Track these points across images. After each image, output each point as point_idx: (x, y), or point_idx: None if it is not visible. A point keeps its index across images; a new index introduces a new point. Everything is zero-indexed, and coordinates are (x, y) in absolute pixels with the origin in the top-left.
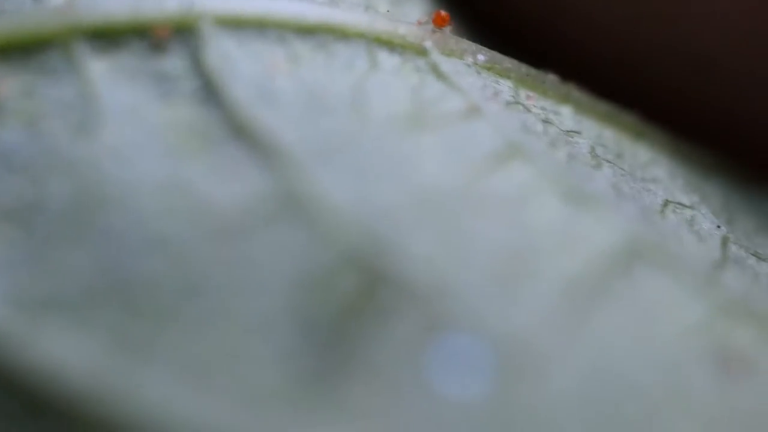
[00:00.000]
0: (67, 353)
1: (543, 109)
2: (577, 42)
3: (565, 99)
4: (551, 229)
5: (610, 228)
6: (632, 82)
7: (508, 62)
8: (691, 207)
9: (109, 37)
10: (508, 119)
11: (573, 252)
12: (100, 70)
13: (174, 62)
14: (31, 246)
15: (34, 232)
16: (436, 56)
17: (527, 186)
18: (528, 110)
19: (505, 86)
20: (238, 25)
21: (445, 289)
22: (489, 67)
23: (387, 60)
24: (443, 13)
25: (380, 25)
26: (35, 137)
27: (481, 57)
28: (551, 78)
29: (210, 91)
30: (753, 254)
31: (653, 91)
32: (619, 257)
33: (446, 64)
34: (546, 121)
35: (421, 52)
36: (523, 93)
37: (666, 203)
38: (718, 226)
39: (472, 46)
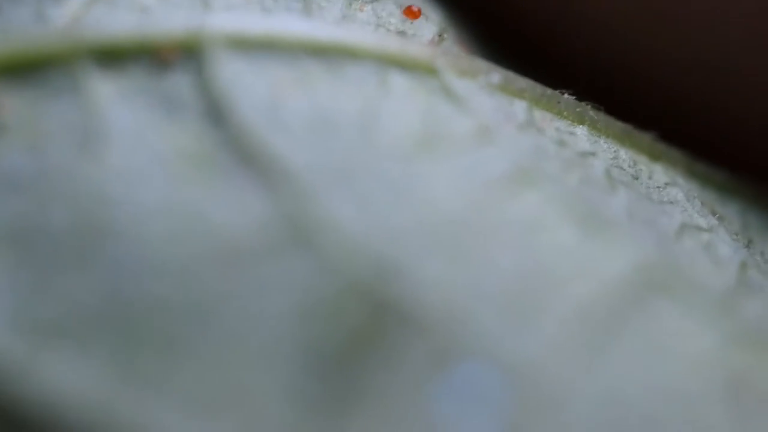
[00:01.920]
0: (69, 382)
1: (558, 130)
2: (593, 53)
3: (580, 119)
4: (564, 257)
5: (623, 256)
6: (648, 94)
7: (523, 82)
8: (708, 230)
9: (114, 56)
10: (520, 142)
11: (586, 280)
12: (105, 90)
13: (180, 83)
14: (34, 270)
15: (37, 256)
16: (448, 76)
17: (539, 212)
18: (542, 132)
19: (519, 107)
20: (246, 45)
21: (456, 317)
22: (502, 88)
23: (398, 80)
24: (415, 7)
25: (391, 44)
26: (38, 158)
27: (494, 77)
28: (567, 98)
29: (217, 113)
30: None
31: (670, 102)
32: (632, 286)
33: (458, 85)
34: (560, 143)
35: (433, 72)
36: (537, 114)
37: (683, 227)
38: (737, 250)
39: (485, 65)
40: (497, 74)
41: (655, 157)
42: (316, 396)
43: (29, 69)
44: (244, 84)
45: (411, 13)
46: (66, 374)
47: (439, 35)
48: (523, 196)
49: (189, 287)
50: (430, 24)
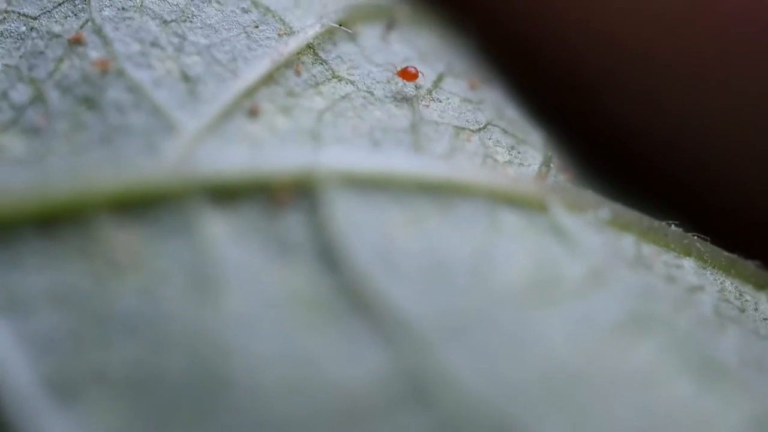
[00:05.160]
0: None
1: (665, 264)
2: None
3: (687, 251)
4: (680, 411)
5: (739, 407)
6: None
7: (630, 215)
8: None
9: (227, 194)
10: (632, 284)
11: None
12: (218, 230)
13: (293, 223)
14: (149, 420)
15: (152, 405)
16: (558, 213)
17: (654, 363)
18: (650, 268)
19: (628, 242)
20: (358, 183)
21: None
22: (611, 222)
23: (509, 218)
24: (411, 69)
25: (501, 180)
26: (152, 300)
27: (603, 212)
28: (673, 230)
29: (331, 256)
30: None
31: None
32: None
33: (568, 222)
34: (669, 279)
35: (543, 208)
36: (645, 248)
37: None
38: None
39: (594, 199)
40: (606, 208)
41: (760, 286)
42: None
43: (141, 205)
44: (358, 224)
45: (407, 74)
46: None
47: (545, 165)
48: (638, 346)
49: None
50: (535, 151)
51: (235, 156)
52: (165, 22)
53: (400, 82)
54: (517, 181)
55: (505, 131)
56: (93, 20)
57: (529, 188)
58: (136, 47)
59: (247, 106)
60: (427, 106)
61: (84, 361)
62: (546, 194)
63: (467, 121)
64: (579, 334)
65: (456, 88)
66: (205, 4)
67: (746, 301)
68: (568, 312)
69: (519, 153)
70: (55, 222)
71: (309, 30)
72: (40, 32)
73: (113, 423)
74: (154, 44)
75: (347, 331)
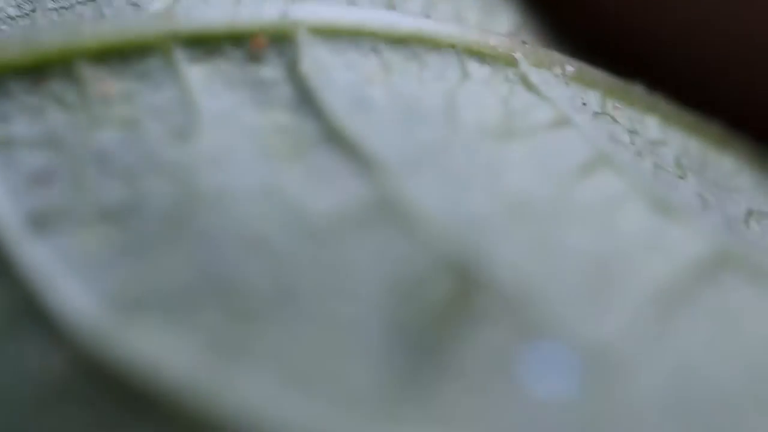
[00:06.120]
0: (162, 351)
1: (629, 119)
2: (662, 45)
3: (651, 109)
4: (639, 238)
5: (696, 237)
6: (717, 85)
7: (596, 73)
8: None
9: (206, 44)
10: (595, 129)
11: (661, 260)
12: (198, 76)
13: (270, 70)
14: (129, 246)
15: (132, 233)
16: (526, 67)
17: (616, 195)
18: (615, 120)
19: (593, 97)
20: (333, 34)
21: (534, 296)
22: (577, 78)
23: (478, 70)
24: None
25: (471, 35)
26: (133, 140)
27: (569, 68)
28: (638, 89)
29: (305, 99)
30: None
31: (739, 92)
32: (705, 266)
33: (535, 75)
34: (632, 131)
35: (511, 62)
36: (609, 103)
37: (750, 213)
38: None
39: (561, 57)
40: (571, 65)
41: (723, 146)
42: (402, 367)
43: (125, 54)
44: (332, 71)
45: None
46: (159, 343)
47: (516, 29)
48: (600, 181)
49: (279, 262)
50: (506, 19)
51: (215, 9)
52: None
53: None
54: (487, 36)
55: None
56: None
57: (498, 44)
58: None
59: None
60: None
61: (64, 197)
62: (514, 50)
63: None
64: (545, 168)
65: None
66: None
67: (708, 158)
68: (535, 148)
69: (490, 16)
70: (41, 72)
71: None
72: None
73: (89, 248)
74: None
75: (320, 162)
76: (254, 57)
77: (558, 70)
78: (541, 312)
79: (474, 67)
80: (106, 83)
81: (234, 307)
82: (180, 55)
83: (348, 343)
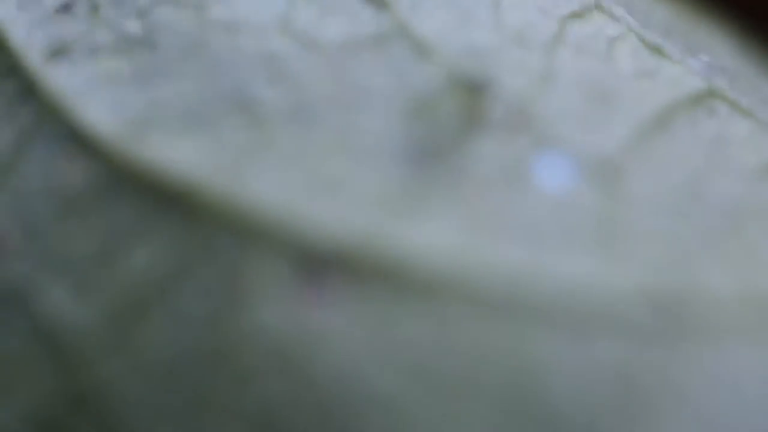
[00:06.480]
0: (181, 155)
1: None
2: None
3: None
4: (637, 70)
5: (691, 74)
6: None
7: None
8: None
9: None
10: None
11: (658, 88)
12: None
13: None
14: (147, 70)
15: (149, 59)
16: None
17: (614, 35)
18: None
19: None
20: None
21: (539, 114)
22: None
23: None
24: None
25: None
26: None
27: None
28: None
29: None
30: None
31: None
32: (701, 96)
33: None
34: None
35: None
36: None
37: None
38: None
39: None
40: None
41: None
42: (423, 170)
43: None
44: None
45: None
46: (175, 149)
47: None
48: (599, 22)
49: (294, 79)
50: None
51: None
52: None
53: None
54: None
55: None
56: None
57: None
58: None
59: None
60: None
61: (83, 27)
62: None
63: None
64: (544, 9)
65: None
66: None
67: (690, 26)
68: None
69: None
70: None
71: None
72: None
73: (108, 72)
74: None
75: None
76: None
77: None
78: (547, 126)
79: None
80: None
81: (251, 118)
82: None
83: (366, 149)
